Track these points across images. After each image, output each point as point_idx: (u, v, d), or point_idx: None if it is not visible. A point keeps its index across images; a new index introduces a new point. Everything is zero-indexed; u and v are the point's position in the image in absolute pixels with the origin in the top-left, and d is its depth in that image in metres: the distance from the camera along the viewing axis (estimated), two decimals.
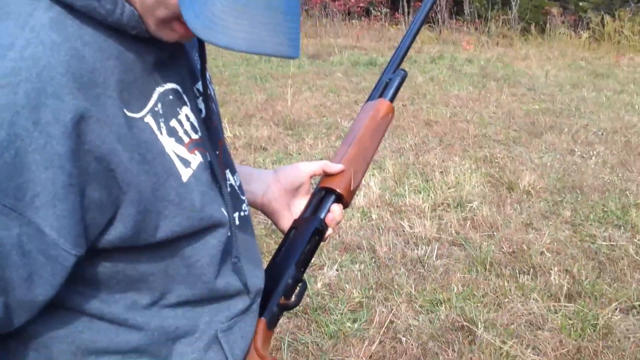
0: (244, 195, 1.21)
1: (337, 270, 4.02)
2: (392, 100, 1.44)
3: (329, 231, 1.31)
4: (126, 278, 0.97)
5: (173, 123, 0.97)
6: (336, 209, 1.31)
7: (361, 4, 17.79)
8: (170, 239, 0.97)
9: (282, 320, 3.47)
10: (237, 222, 1.12)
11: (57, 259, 0.84)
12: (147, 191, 0.91)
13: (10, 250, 0.80)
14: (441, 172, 5.71)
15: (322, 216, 1.30)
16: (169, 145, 0.95)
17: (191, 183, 0.97)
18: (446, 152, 6.37)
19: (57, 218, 0.82)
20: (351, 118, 7.63)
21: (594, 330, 3.46)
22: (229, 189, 1.10)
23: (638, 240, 4.51)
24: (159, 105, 0.95)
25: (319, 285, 3.83)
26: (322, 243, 1.33)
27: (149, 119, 0.93)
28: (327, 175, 1.34)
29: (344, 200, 1.33)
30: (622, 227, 4.74)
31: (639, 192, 5.43)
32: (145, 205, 0.91)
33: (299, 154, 6.26)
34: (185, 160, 0.98)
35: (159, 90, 0.96)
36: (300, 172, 1.36)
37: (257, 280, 1.18)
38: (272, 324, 1.20)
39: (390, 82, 1.47)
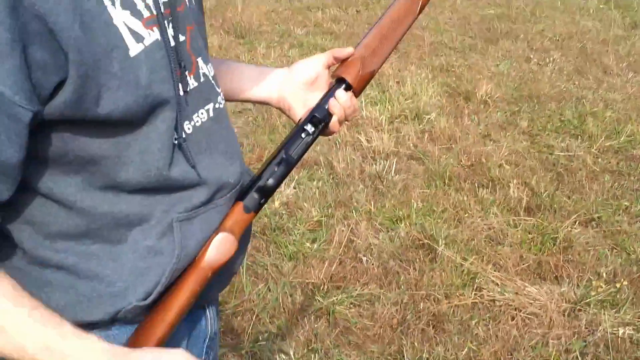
0: (219, 87, 1.18)
1: (294, 188, 3.93)
2: None
3: (334, 118, 1.28)
4: (77, 159, 0.96)
5: None
6: (341, 94, 1.28)
7: None
8: (117, 117, 0.94)
9: None
10: (211, 114, 1.12)
11: (17, 117, 0.84)
12: (88, 58, 0.88)
13: None
14: (397, 83, 5.59)
15: (323, 104, 1.28)
16: (121, 17, 0.93)
17: (140, 58, 0.95)
18: (402, 61, 6.23)
19: (8, 75, 0.81)
20: (304, 25, 7.42)
21: (554, 244, 3.46)
22: (202, 79, 1.10)
23: (595, 150, 4.51)
24: None
25: (277, 204, 3.75)
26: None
27: None
28: (339, 62, 1.33)
29: (352, 87, 1.30)
30: (580, 137, 4.72)
31: (595, 100, 5.41)
32: (86, 71, 0.88)
33: (252, 63, 6.06)
34: (139, 35, 0.95)
35: None
36: (313, 64, 1.35)
37: (224, 173, 1.15)
38: (250, 208, 1.17)
39: None
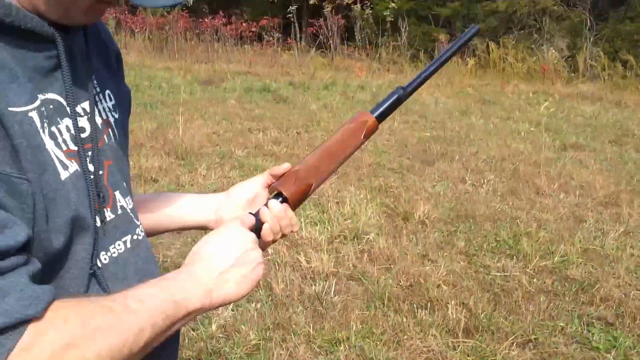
0: (138, 220, 1.22)
1: (232, 310, 3.87)
2: (378, 115, 1.44)
3: (266, 226, 1.27)
4: None
5: (53, 129, 1.01)
6: (274, 204, 1.29)
7: (253, 29, 17.76)
8: (55, 233, 0.97)
9: None
10: (128, 245, 1.15)
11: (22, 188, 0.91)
12: (33, 175, 0.94)
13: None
14: (337, 203, 5.66)
15: (255, 213, 1.28)
16: (49, 145, 0.99)
17: (67, 183, 1.00)
18: (341, 182, 6.33)
19: None
20: (245, 147, 7.52)
21: None
22: (119, 211, 1.14)
23: (530, 270, 4.58)
24: (43, 109, 0.99)
25: (214, 327, 3.67)
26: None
27: (33, 115, 0.97)
28: (277, 179, 1.37)
29: (288, 199, 1.31)
30: (515, 257, 4.81)
31: (528, 220, 5.55)
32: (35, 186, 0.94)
33: (192, 185, 6.08)
34: (64, 164, 1.01)
35: (41, 97, 1.00)
36: (251, 185, 1.42)
37: None
38: None
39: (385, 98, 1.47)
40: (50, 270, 0.99)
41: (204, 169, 6.54)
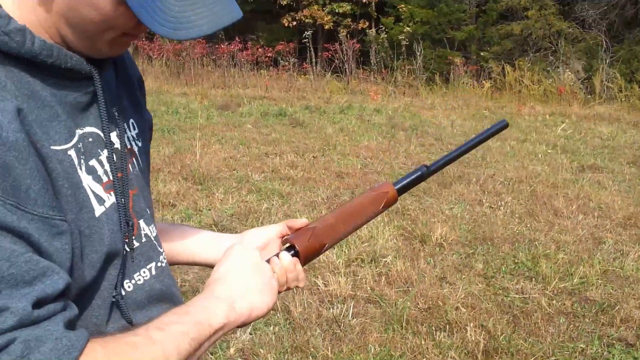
0: (161, 247, 1.25)
1: (250, 334, 3.87)
2: (399, 188, 1.50)
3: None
4: None
5: (92, 162, 1.05)
6: (284, 256, 1.30)
7: (269, 54, 17.88)
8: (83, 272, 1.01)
9: None
10: (153, 272, 1.19)
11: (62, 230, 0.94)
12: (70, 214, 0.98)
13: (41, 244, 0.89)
14: None
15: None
16: (86, 181, 1.02)
17: (102, 219, 1.04)
18: None
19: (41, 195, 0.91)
20: (262, 171, 7.55)
21: None
22: (143, 239, 1.18)
23: (549, 291, 4.56)
24: (80, 145, 1.03)
25: (232, 351, 3.67)
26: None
27: (72, 153, 1.00)
28: (293, 232, 1.39)
29: (299, 254, 1.32)
30: (534, 279, 4.78)
31: (547, 242, 5.52)
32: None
33: (209, 209, 6.10)
34: (100, 198, 1.05)
35: (79, 132, 1.04)
36: (266, 232, 1.43)
37: None
38: None
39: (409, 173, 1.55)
40: (77, 301, 1.00)
41: (222, 194, 6.57)
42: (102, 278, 1.07)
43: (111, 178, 1.08)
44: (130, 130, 1.22)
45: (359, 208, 1.44)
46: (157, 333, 0.98)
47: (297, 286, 1.33)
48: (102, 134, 1.08)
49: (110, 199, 1.07)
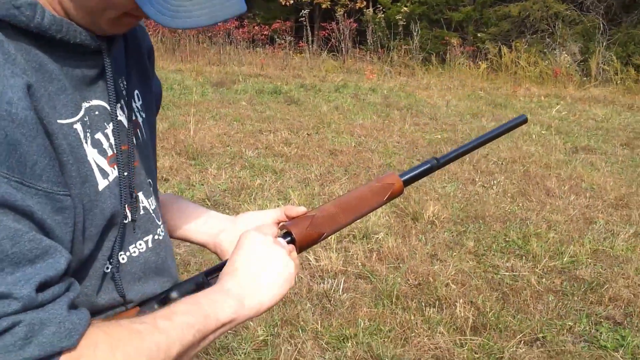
0: (160, 220, 1.26)
1: None
2: (406, 179, 1.48)
3: None
4: None
5: (98, 136, 1.06)
6: (280, 242, 1.27)
7: (265, 32, 17.80)
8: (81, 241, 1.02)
9: None
10: (149, 245, 1.20)
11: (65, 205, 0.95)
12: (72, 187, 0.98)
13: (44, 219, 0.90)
14: None
15: None
16: (91, 155, 1.03)
17: (105, 193, 1.05)
18: (351, 182, 6.34)
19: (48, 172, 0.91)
20: (256, 147, 7.54)
21: None
22: (141, 212, 1.18)
23: (539, 270, 4.58)
24: (87, 118, 1.04)
25: None
26: None
27: (77, 126, 1.01)
28: (290, 220, 1.37)
29: (296, 241, 1.30)
30: (524, 257, 4.80)
31: (538, 221, 5.54)
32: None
33: (202, 184, 6.10)
34: (104, 172, 1.06)
35: (85, 105, 1.05)
36: (261, 217, 1.42)
37: (153, 294, 1.23)
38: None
39: (417, 165, 1.51)
40: (72, 272, 1.01)
41: (215, 169, 6.57)
42: (97, 250, 1.07)
43: (115, 151, 1.09)
44: (135, 102, 1.22)
45: (361, 199, 1.41)
46: (163, 322, 0.99)
47: None
48: (108, 107, 1.09)
49: (114, 173, 1.08)
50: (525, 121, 1.62)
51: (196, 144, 7.32)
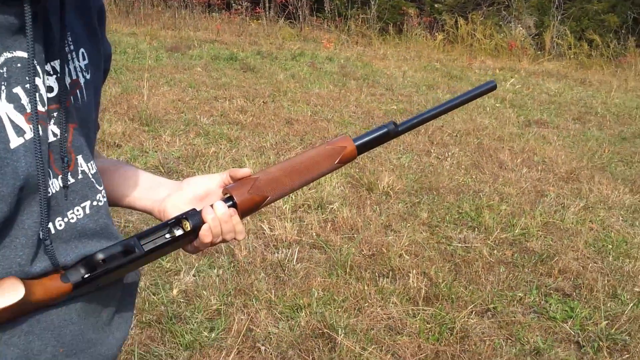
0: (101, 185, 1.18)
1: (194, 275, 3.86)
2: (360, 144, 1.39)
3: (205, 226, 1.23)
4: None
5: (17, 90, 0.98)
6: (219, 206, 1.25)
7: None
8: None
9: (134, 330, 3.28)
10: (87, 211, 1.13)
11: None
12: None
13: None
14: None
15: (198, 211, 1.23)
16: (4, 109, 0.96)
17: (19, 151, 0.97)
18: None
19: None
20: (211, 114, 7.46)
21: (451, 334, 3.49)
22: (80, 176, 1.11)
23: (491, 241, 4.64)
24: (4, 69, 0.96)
25: (175, 292, 3.66)
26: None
27: None
28: (235, 180, 1.31)
29: (237, 205, 1.26)
30: (476, 229, 4.86)
31: (491, 193, 5.60)
32: None
33: (156, 151, 6.02)
34: (20, 129, 0.98)
35: (6, 55, 0.97)
36: (206, 181, 1.35)
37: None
38: (69, 279, 1.08)
39: (373, 129, 1.41)
40: None
41: (168, 136, 6.48)
42: (22, 215, 1.01)
43: (40, 109, 1.01)
44: (78, 61, 1.14)
45: (310, 162, 1.35)
46: None
47: (234, 239, 1.28)
48: (34, 60, 1.00)
49: (32, 131, 1.00)
50: (494, 87, 1.53)
51: (150, 110, 7.20)
